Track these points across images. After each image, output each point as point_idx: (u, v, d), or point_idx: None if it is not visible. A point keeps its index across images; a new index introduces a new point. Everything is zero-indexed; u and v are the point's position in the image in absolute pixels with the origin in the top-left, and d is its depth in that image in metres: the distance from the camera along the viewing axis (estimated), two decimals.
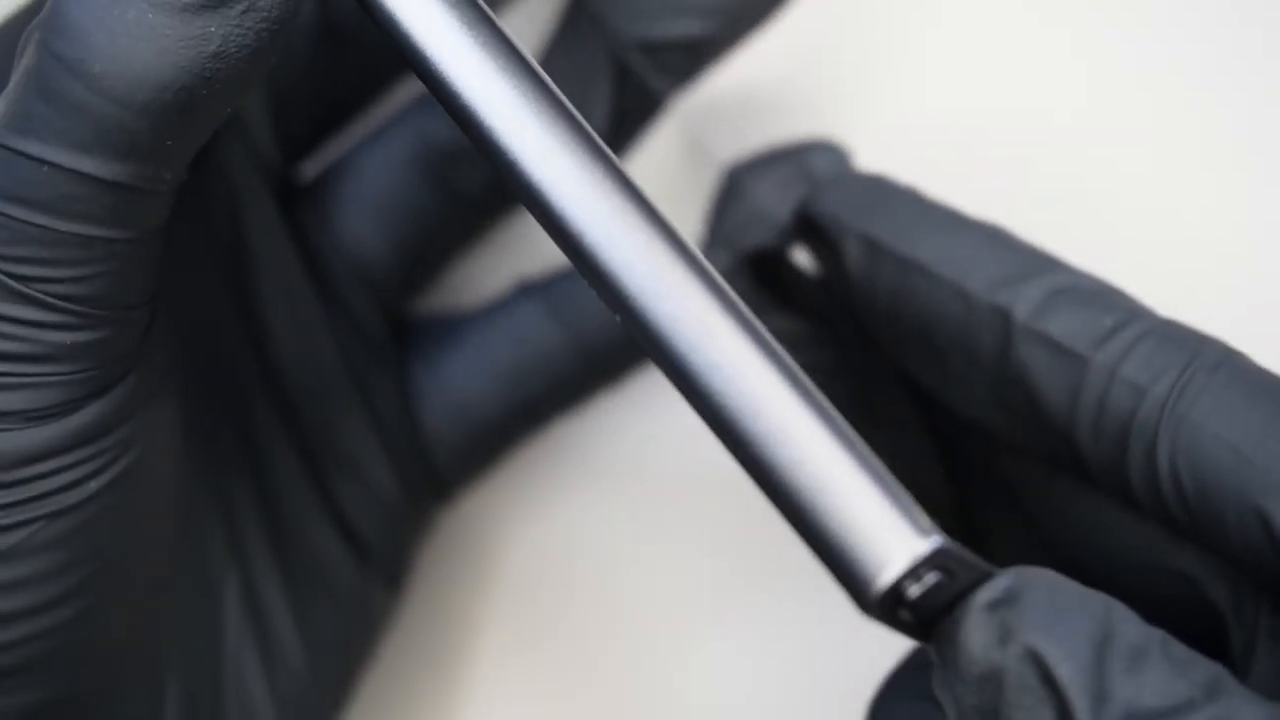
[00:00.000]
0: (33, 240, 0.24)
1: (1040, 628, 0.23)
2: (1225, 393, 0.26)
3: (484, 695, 0.38)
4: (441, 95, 0.24)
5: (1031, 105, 0.39)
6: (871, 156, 0.35)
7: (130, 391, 0.26)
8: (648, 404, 0.38)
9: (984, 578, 0.23)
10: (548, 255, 0.37)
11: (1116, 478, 0.27)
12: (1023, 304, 0.28)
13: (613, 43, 0.33)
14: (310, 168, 0.36)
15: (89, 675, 0.27)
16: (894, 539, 0.22)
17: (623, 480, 0.38)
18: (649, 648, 0.37)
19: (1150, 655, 0.23)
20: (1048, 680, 0.22)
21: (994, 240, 0.29)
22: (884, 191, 0.31)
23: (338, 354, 0.34)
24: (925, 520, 0.23)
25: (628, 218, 0.24)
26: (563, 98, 0.24)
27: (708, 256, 0.33)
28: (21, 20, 0.28)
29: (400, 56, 0.24)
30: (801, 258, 0.33)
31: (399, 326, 0.36)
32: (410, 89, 0.36)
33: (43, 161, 0.24)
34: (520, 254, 0.38)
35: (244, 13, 0.23)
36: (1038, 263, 0.28)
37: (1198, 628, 0.27)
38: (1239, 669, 0.26)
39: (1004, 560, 0.24)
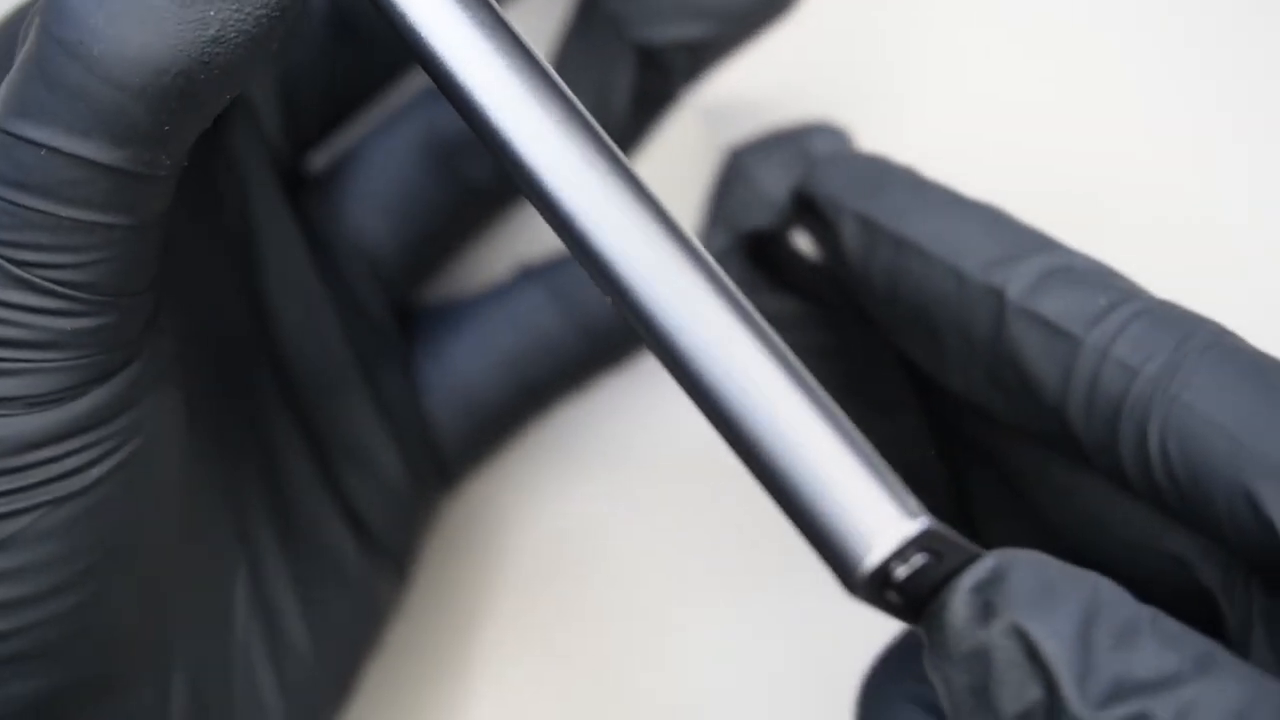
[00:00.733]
0: (33, 226, 0.24)
1: (1026, 605, 0.23)
2: (1217, 373, 0.26)
3: (484, 683, 0.38)
4: (433, 72, 0.24)
5: (1040, 100, 0.39)
6: (875, 145, 0.35)
7: (133, 378, 0.26)
8: (644, 390, 0.38)
9: (971, 559, 0.23)
10: (548, 240, 0.37)
11: (1108, 457, 0.27)
12: (1016, 284, 0.28)
13: (626, 39, 0.34)
14: (319, 158, 0.36)
15: (94, 663, 0.27)
16: (881, 520, 0.22)
17: (620, 466, 0.38)
18: (647, 633, 0.38)
19: (1140, 631, 0.23)
20: (1033, 656, 0.22)
21: (989, 220, 0.29)
22: (881, 171, 0.31)
23: (344, 342, 0.34)
24: (913, 502, 0.23)
25: (619, 201, 0.24)
26: (559, 82, 0.25)
27: (707, 238, 0.33)
28: (18, 19, 0.29)
29: (394, 34, 0.25)
30: (801, 240, 0.33)
31: (404, 314, 0.36)
32: (419, 81, 0.36)
33: (42, 146, 0.24)
34: (522, 239, 0.38)
35: None
36: (1032, 242, 0.28)
37: (1193, 611, 0.26)
38: (1237, 652, 0.26)
39: (1000, 544, 0.24)
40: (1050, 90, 0.39)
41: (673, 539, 0.38)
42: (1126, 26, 0.39)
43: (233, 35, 0.24)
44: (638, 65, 0.34)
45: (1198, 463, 0.26)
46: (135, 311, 0.26)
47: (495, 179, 0.35)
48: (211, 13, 0.23)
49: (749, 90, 0.39)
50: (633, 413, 0.39)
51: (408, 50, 0.25)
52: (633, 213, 0.24)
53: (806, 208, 0.31)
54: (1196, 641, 0.23)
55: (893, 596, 0.23)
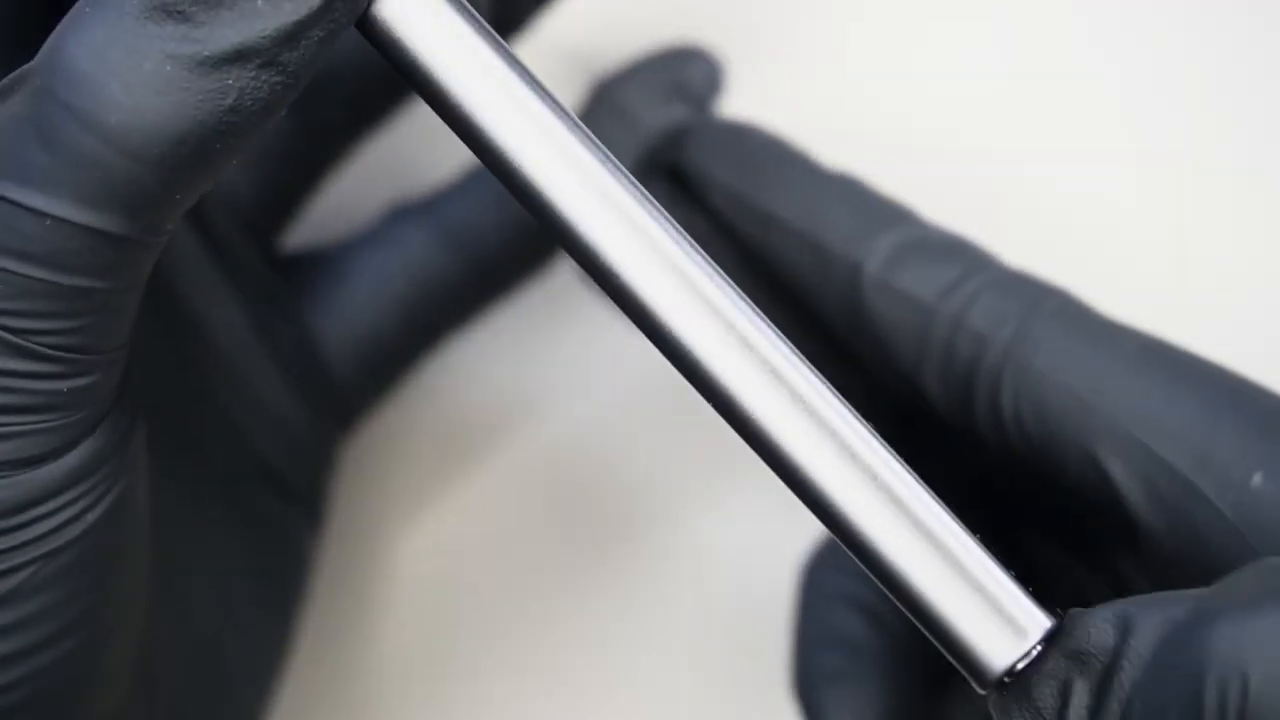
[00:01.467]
0: (31, 294, 0.23)
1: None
2: (1064, 339, 0.27)
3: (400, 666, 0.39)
4: None
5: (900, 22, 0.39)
6: (741, 68, 0.35)
7: (117, 423, 0.26)
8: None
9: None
10: (416, 177, 0.38)
11: (964, 423, 0.28)
12: (873, 257, 0.29)
13: None
14: None
15: (92, 701, 0.27)
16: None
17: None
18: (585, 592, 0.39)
19: None
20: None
21: (848, 193, 0.30)
22: (747, 142, 0.31)
23: (236, 301, 0.34)
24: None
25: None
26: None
27: None
28: None
29: None
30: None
31: (283, 262, 0.36)
32: None
33: (46, 215, 0.23)
34: (388, 178, 0.39)
35: (262, 66, 0.23)
36: (889, 215, 0.29)
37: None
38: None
39: None
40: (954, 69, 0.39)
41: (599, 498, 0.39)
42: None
43: (249, 104, 0.23)
44: None
45: (1048, 426, 0.27)
46: (121, 362, 0.25)
47: (344, 112, 0.35)
48: (230, 81, 0.23)
49: (614, 17, 0.39)
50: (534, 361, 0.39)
51: None
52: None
53: (678, 178, 0.32)
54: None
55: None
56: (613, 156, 0.24)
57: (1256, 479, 0.25)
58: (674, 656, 0.38)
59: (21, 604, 0.25)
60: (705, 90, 0.34)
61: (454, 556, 0.39)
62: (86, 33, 0.22)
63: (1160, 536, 0.26)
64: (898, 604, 0.23)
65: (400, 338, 0.36)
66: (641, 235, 0.24)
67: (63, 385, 0.24)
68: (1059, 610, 0.24)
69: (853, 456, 0.23)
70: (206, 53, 0.22)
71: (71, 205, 0.23)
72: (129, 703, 0.28)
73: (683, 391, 0.25)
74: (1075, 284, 0.29)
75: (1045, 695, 0.23)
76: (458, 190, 0.36)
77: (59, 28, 0.23)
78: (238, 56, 0.22)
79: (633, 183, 0.24)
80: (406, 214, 0.36)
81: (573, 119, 0.24)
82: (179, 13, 0.22)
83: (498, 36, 0.24)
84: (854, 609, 0.31)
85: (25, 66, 0.23)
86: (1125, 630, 0.23)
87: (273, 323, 0.35)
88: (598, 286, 0.24)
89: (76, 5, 0.23)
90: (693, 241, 0.24)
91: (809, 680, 0.32)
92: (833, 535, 0.24)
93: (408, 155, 0.39)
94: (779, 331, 0.24)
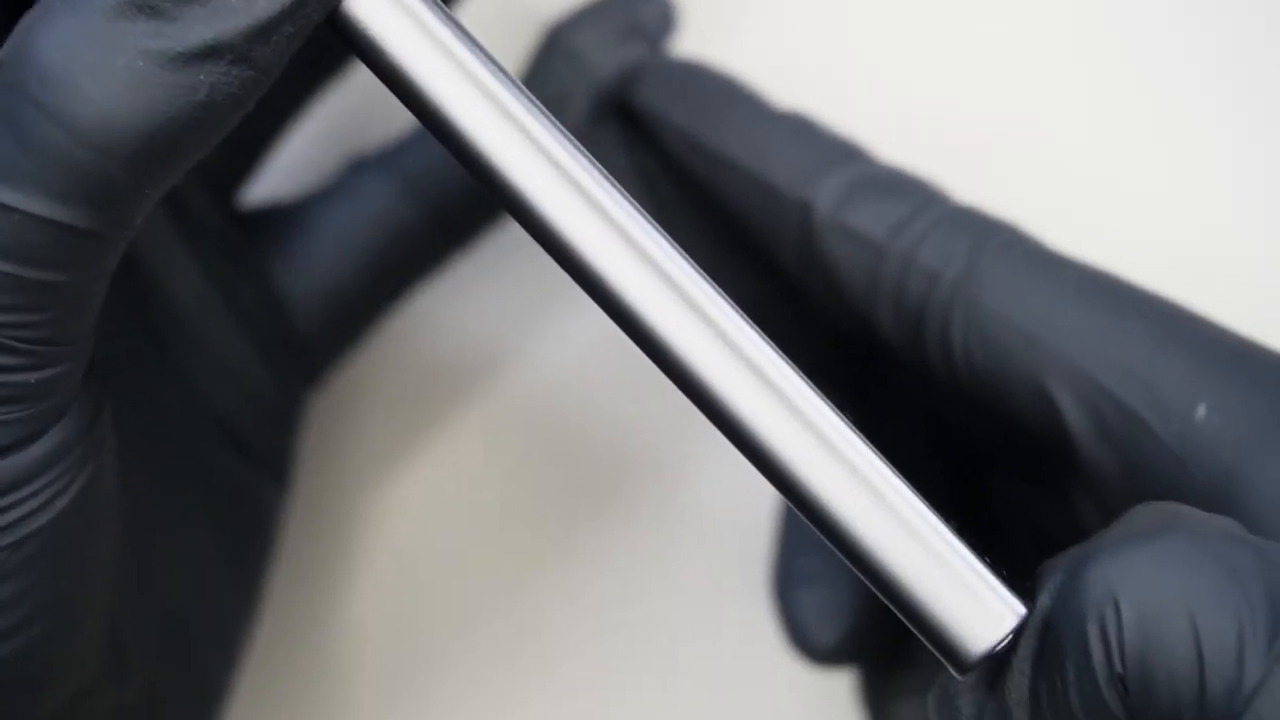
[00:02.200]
0: None
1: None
2: (1013, 274, 0.27)
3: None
4: None
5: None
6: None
7: (84, 408, 0.26)
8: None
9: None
10: (375, 130, 0.37)
11: (916, 357, 0.28)
12: (824, 196, 0.29)
13: None
14: None
15: (63, 684, 0.27)
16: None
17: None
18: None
19: None
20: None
21: (798, 132, 0.30)
22: (698, 81, 0.31)
23: (190, 254, 0.34)
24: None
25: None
26: None
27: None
28: None
29: None
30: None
31: (244, 218, 0.36)
32: None
33: (14, 210, 0.23)
34: (347, 130, 0.38)
35: (233, 62, 0.23)
36: (839, 154, 0.29)
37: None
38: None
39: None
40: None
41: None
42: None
43: (220, 99, 0.23)
44: None
45: (998, 360, 0.27)
46: (87, 350, 0.25)
47: (297, 65, 0.35)
48: (201, 77, 0.23)
49: None
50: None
51: None
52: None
53: (631, 118, 0.32)
54: None
55: None
56: (553, 117, 0.24)
57: (1200, 411, 0.26)
58: (654, 605, 0.38)
59: None
60: (659, 29, 0.34)
61: (424, 515, 0.40)
62: (58, 27, 0.22)
63: (1108, 470, 0.27)
64: (874, 590, 0.24)
65: (365, 290, 0.36)
66: (577, 189, 0.24)
67: (30, 377, 0.24)
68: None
69: (828, 445, 0.24)
70: (179, 49, 0.22)
71: (41, 201, 0.23)
72: (99, 676, 0.28)
73: None
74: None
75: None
76: (416, 140, 0.36)
77: (26, 21, 0.23)
78: (210, 52, 0.23)
79: (560, 130, 0.24)
80: (366, 165, 0.36)
81: (513, 82, 0.24)
82: (152, 8, 0.22)
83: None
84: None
85: None
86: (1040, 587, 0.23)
87: (233, 280, 0.34)
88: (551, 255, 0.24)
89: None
90: (629, 198, 0.24)
91: (785, 582, 0.33)
92: (794, 508, 0.24)
93: (365, 106, 0.39)
94: (715, 285, 0.24)
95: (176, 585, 0.32)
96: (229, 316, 0.34)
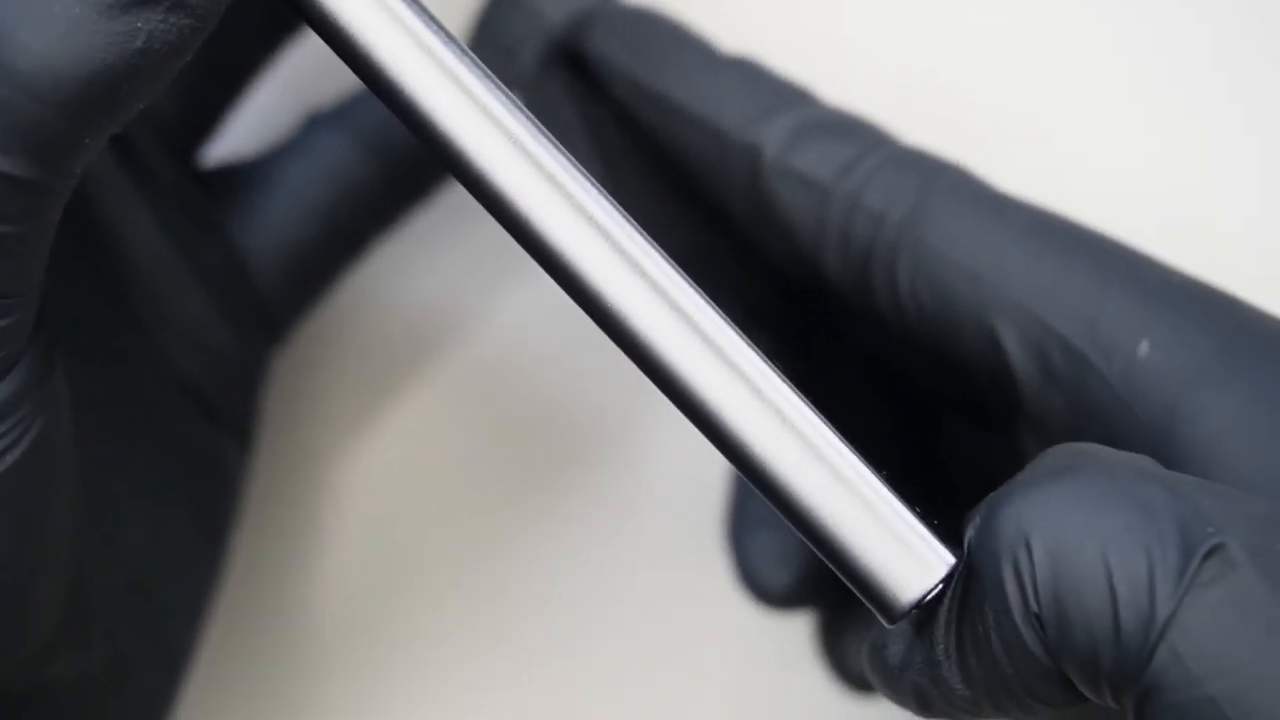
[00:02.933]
0: None
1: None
2: (958, 214, 0.27)
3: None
4: None
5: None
6: None
7: (34, 362, 0.25)
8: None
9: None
10: (330, 84, 0.37)
11: (863, 301, 0.28)
12: (771, 140, 0.29)
13: None
14: None
15: (21, 644, 0.27)
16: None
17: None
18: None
19: None
20: None
21: (745, 76, 0.30)
22: (647, 29, 0.31)
23: (149, 213, 0.34)
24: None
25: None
26: None
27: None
28: None
29: None
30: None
31: (203, 177, 0.36)
32: None
33: None
34: (310, 88, 0.38)
35: (170, 9, 0.23)
36: (785, 97, 0.29)
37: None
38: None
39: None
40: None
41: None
42: None
43: (157, 46, 0.23)
44: None
45: (944, 302, 0.27)
46: (34, 303, 0.25)
47: (259, 25, 0.35)
48: (139, 24, 0.23)
49: None
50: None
51: None
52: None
53: (581, 66, 0.32)
54: None
55: None
56: (492, 74, 0.24)
57: (1143, 348, 0.25)
58: (613, 558, 0.38)
59: None
60: None
61: (389, 474, 0.40)
62: None
63: (1054, 410, 0.26)
64: (803, 539, 0.24)
65: (324, 246, 0.36)
66: (509, 141, 0.24)
67: None
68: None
69: (759, 395, 0.24)
70: None
71: None
72: (62, 636, 0.28)
73: None
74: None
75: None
76: (369, 93, 0.36)
77: None
78: None
79: (500, 89, 0.24)
80: (322, 121, 0.36)
81: (454, 42, 0.24)
82: None
83: None
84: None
85: None
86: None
87: (193, 239, 0.34)
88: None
89: None
90: (564, 152, 0.24)
91: (738, 526, 0.33)
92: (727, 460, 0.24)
93: (320, 62, 0.39)
94: (647, 235, 0.24)
95: (141, 548, 0.32)
96: (190, 276, 0.34)
